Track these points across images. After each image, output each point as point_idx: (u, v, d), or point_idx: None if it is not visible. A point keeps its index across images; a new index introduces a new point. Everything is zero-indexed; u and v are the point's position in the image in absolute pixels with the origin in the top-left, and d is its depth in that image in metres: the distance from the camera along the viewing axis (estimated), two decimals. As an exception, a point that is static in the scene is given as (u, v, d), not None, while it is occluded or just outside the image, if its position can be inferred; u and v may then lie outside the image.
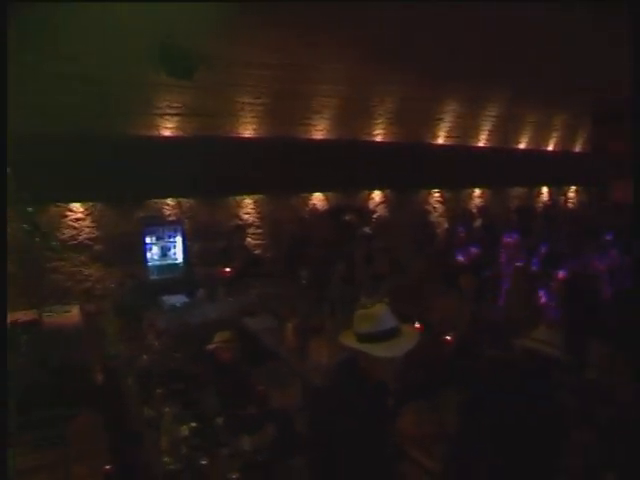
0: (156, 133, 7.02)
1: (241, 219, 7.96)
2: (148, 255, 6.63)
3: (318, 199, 8.80)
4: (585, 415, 3.00)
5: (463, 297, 4.34)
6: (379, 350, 2.49)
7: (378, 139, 9.26)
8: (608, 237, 6.92)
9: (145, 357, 4.05)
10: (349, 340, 2.59)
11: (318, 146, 8.50)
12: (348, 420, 2.40)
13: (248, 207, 8.07)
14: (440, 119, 9.99)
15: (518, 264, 5.23)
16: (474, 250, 5.56)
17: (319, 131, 8.52)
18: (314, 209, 8.67)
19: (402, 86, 8.74)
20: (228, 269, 6.33)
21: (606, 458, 2.69)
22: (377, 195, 9.57)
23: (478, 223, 8.83)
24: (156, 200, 7.23)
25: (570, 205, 13.54)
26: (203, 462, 2.88)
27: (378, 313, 2.62)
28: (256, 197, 8.15)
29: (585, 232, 8.00)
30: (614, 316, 4.37)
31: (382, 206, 9.59)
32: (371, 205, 9.47)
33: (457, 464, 2.48)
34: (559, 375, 2.63)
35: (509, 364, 2.80)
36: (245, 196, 8.05)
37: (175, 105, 7.03)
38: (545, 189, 13.23)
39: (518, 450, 2.32)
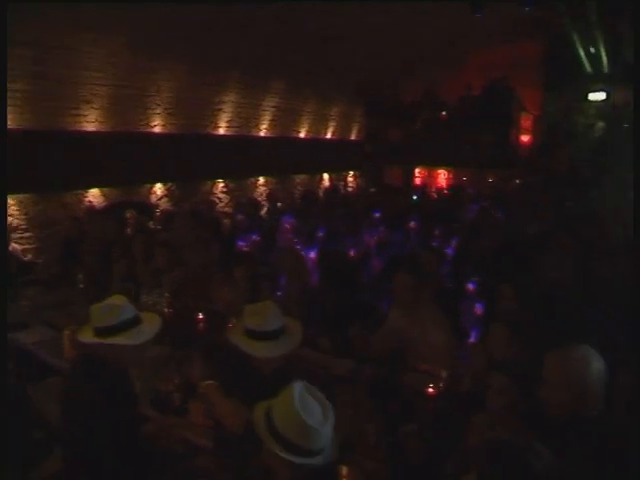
0: None
1: (3, 222, 7.13)
2: None
3: (94, 196, 8.24)
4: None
5: (240, 285, 4.42)
6: None
7: (156, 130, 8.94)
8: (376, 214, 7.57)
9: None
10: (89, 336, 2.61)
11: (90, 138, 7.91)
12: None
13: (11, 208, 7.24)
14: (219, 109, 9.98)
15: (294, 247, 5.45)
16: (255, 237, 5.69)
17: (90, 122, 7.93)
18: (90, 207, 8.07)
19: (177, 75, 8.55)
20: (-10, 280, 5.66)
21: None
22: (159, 188, 9.28)
23: (264, 211, 9.02)
24: None
25: (349, 189, 14.54)
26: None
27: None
28: (21, 197, 7.36)
29: (360, 212, 8.66)
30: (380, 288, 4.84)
31: (165, 200, 9.33)
32: (153, 199, 9.15)
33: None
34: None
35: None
36: (6, 196, 7.21)
37: None
38: (326, 175, 14.03)
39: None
